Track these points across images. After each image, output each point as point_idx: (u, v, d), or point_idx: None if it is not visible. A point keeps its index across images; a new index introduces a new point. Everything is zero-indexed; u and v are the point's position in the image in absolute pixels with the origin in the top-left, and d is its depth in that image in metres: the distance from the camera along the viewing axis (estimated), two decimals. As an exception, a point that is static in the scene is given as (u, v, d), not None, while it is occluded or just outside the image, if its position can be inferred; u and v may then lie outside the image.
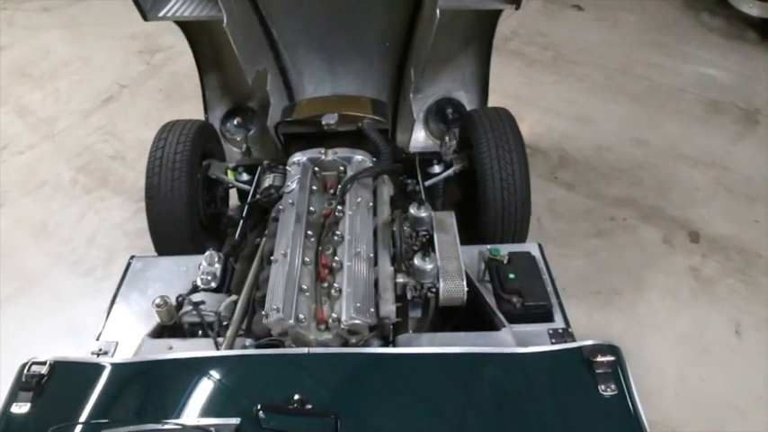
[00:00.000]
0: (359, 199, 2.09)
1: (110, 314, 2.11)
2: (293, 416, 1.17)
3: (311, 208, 2.08)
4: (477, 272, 2.19)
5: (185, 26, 3.00)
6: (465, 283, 1.91)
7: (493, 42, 3.15)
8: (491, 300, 2.02)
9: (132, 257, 2.33)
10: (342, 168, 2.27)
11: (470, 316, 2.04)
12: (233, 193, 3.11)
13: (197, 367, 1.38)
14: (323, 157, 2.27)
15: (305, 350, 1.47)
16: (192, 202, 2.54)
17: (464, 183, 2.85)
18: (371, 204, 2.13)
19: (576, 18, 5.54)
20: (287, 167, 2.30)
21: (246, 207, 2.55)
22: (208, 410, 1.28)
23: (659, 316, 2.81)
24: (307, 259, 1.89)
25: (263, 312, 1.70)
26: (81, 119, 4.31)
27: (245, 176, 2.82)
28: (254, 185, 2.62)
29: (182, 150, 2.57)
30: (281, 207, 2.10)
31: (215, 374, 1.38)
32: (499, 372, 1.44)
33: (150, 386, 1.39)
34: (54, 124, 4.25)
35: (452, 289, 1.89)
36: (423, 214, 2.07)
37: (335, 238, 1.98)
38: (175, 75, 4.77)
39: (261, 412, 1.14)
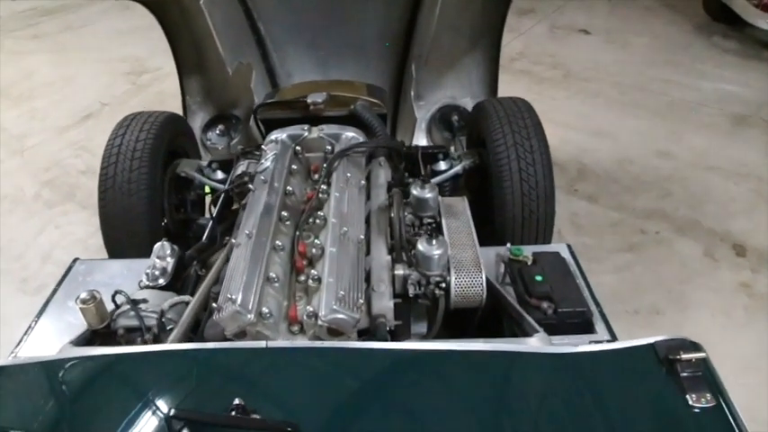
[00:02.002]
0: (348, 174, 1.69)
1: (36, 324, 1.67)
2: (225, 427, 0.74)
3: (289, 188, 1.67)
4: (494, 276, 1.76)
5: (164, 18, 2.70)
6: (484, 276, 1.48)
7: (501, 41, 2.84)
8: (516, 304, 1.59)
9: (76, 260, 1.92)
10: (329, 148, 1.87)
11: (488, 326, 1.60)
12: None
13: (102, 368, 0.94)
14: (306, 134, 1.89)
15: (261, 344, 1.03)
16: (153, 199, 2.14)
17: (474, 183, 2.45)
18: (363, 183, 1.72)
19: (584, 41, 5.35)
20: (263, 147, 1.91)
21: (218, 203, 2.12)
22: (108, 423, 0.84)
23: (712, 338, 2.30)
24: (279, 243, 1.47)
25: (214, 305, 1.27)
26: (55, 135, 3.99)
27: (219, 175, 2.42)
28: (229, 180, 2.22)
29: (144, 138, 2.19)
30: (251, 187, 1.69)
31: (127, 377, 0.94)
32: (545, 378, 0.99)
33: (31, 392, 0.95)
34: (25, 140, 3.93)
35: (467, 284, 1.47)
36: (428, 195, 1.66)
37: (318, 221, 1.57)
38: (161, 94, 4.49)
39: (173, 422, 0.71)
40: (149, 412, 0.81)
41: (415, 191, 1.66)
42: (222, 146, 3.02)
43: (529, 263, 1.72)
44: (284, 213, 1.56)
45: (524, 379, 1.00)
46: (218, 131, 3.04)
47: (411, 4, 2.73)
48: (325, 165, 1.76)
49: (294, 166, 1.79)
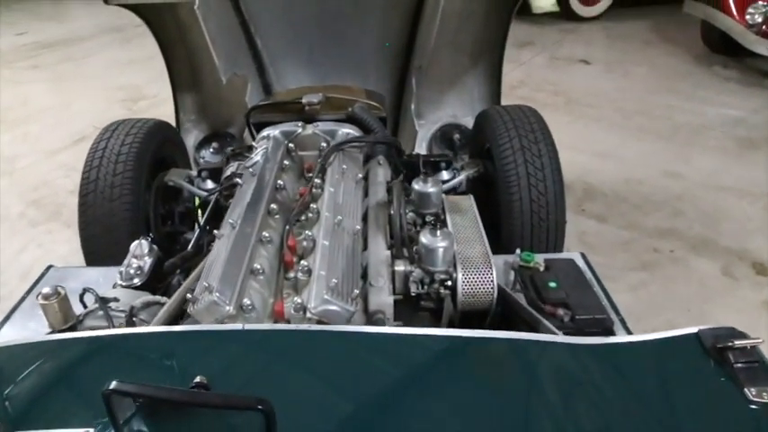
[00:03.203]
0: (344, 166, 1.56)
1: (-1, 331, 1.51)
2: (182, 404, 0.58)
3: (279, 182, 1.54)
4: (503, 284, 1.60)
5: (159, 31, 2.64)
6: (494, 273, 1.34)
7: (503, 59, 2.78)
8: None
9: (49, 267, 1.78)
10: (324, 145, 1.75)
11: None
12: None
13: (52, 354, 0.79)
14: (300, 130, 1.77)
15: (238, 326, 0.88)
16: (136, 206, 1.99)
17: (479, 194, 2.31)
18: (361, 176, 1.59)
19: (584, 70, 5.35)
20: (254, 144, 1.79)
21: (207, 209, 1.98)
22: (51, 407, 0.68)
23: (739, 359, 2.16)
24: (266, 235, 1.32)
25: (188, 297, 1.12)
26: (46, 157, 3.90)
27: (209, 184, 2.29)
28: (219, 187, 2.08)
29: (130, 143, 2.08)
30: (239, 182, 1.56)
31: (81, 361, 0.78)
32: (581, 370, 0.83)
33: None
34: (15, 161, 3.83)
35: (477, 281, 1.32)
36: (431, 189, 1.53)
37: (310, 215, 1.43)
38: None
39: (113, 397, 0.56)
40: (94, 394, 0.65)
41: (416, 185, 1.53)
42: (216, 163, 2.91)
43: (541, 269, 1.57)
44: (273, 206, 1.43)
45: (555, 371, 0.84)
46: (211, 149, 2.95)
47: (411, 17, 2.68)
48: (319, 160, 1.64)
49: (286, 162, 1.67)
